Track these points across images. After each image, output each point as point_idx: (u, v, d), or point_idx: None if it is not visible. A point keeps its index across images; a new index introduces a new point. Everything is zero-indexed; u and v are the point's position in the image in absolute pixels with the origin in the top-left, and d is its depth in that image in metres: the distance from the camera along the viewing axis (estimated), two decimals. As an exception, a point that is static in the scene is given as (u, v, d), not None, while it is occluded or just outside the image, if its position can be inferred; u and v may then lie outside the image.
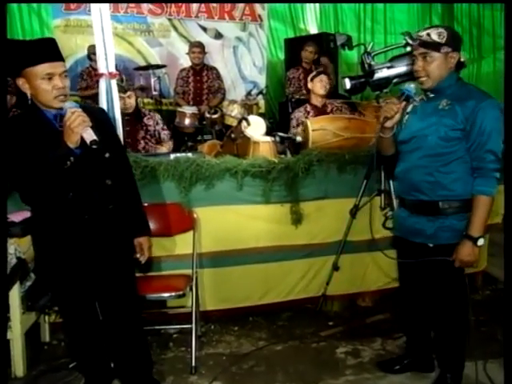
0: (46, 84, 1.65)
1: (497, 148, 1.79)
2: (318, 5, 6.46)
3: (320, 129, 2.91)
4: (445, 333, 2.04)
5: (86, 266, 1.83)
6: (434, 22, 6.90)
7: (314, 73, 3.62)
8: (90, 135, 1.63)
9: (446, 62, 1.82)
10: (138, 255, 2.01)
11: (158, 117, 3.45)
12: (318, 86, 3.48)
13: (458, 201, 1.87)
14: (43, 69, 1.64)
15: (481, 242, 1.81)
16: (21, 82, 1.68)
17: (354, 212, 2.71)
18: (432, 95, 1.91)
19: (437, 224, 1.90)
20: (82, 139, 1.64)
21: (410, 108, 1.99)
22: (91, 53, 4.66)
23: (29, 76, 1.66)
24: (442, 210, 1.88)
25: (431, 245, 1.92)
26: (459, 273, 1.92)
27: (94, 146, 1.63)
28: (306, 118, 3.41)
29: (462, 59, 1.86)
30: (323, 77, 3.50)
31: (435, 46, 1.80)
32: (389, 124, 1.94)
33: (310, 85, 3.55)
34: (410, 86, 1.94)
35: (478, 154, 1.80)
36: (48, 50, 1.68)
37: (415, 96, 1.96)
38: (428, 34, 1.81)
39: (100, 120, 1.80)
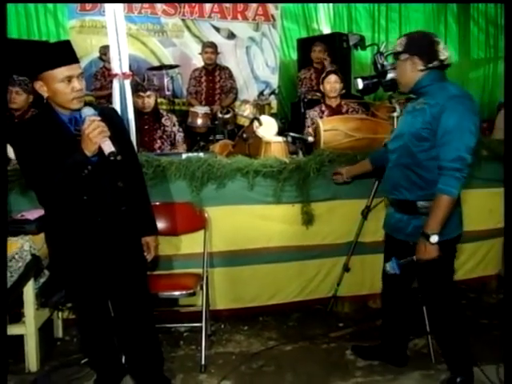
0: (64, 87, 1.67)
1: (460, 147, 1.77)
2: (331, 4, 6.42)
3: (332, 129, 2.90)
4: (437, 334, 2.12)
5: (98, 264, 1.85)
6: (450, 21, 6.81)
7: (323, 74, 3.62)
8: (108, 146, 1.64)
9: (407, 67, 1.89)
10: (144, 254, 2.03)
11: (174, 119, 3.49)
12: (328, 87, 3.48)
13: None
14: (62, 72, 1.66)
15: (434, 239, 1.80)
16: (38, 85, 1.70)
17: (365, 213, 2.70)
18: (414, 96, 2.00)
19: (415, 223, 1.94)
20: (99, 147, 1.66)
21: (404, 109, 2.09)
22: (102, 53, 4.72)
23: (47, 79, 1.67)
24: (419, 209, 1.92)
25: (411, 243, 1.94)
26: (440, 274, 1.96)
27: (112, 158, 1.64)
28: (321, 117, 3.40)
29: (441, 57, 1.85)
30: (331, 77, 3.47)
31: (396, 55, 1.94)
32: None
33: (321, 87, 3.56)
34: None
35: (441, 152, 1.80)
36: (65, 53, 1.70)
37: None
38: (396, 45, 1.94)
39: (112, 121, 1.82)
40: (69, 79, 1.67)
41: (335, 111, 3.47)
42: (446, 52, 1.86)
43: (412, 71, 1.89)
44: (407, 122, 1.96)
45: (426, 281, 2.02)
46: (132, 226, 1.93)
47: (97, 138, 1.63)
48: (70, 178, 1.68)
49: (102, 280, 1.89)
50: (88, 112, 1.69)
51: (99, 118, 1.67)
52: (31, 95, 3.11)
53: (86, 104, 1.77)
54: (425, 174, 1.89)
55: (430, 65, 1.85)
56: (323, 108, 3.52)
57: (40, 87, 1.70)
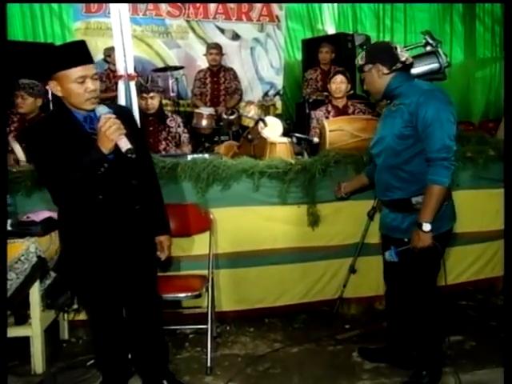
0: (78, 87, 1.67)
1: (442, 137, 1.84)
2: (336, 4, 6.40)
3: (337, 129, 2.89)
4: (413, 326, 2.14)
5: (112, 264, 1.85)
6: (455, 21, 6.77)
7: (331, 74, 3.63)
8: (125, 143, 1.64)
9: (374, 75, 1.99)
10: (158, 253, 2.03)
11: (179, 119, 3.49)
12: (333, 87, 3.48)
13: None
14: (76, 72, 1.66)
15: (426, 227, 1.87)
16: (52, 84, 1.70)
17: (371, 214, 2.68)
18: (388, 101, 2.07)
19: (410, 219, 1.99)
20: (115, 145, 1.65)
21: (382, 115, 2.15)
22: (107, 55, 4.73)
23: (61, 79, 1.67)
24: (414, 205, 1.97)
25: (406, 239, 2.00)
26: (425, 268, 2.00)
27: (130, 155, 1.64)
28: (327, 117, 3.39)
29: (402, 59, 1.94)
30: (337, 78, 3.46)
31: (360, 68, 2.05)
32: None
33: (328, 86, 3.57)
34: None
35: (426, 145, 1.88)
36: (80, 53, 1.70)
37: None
38: (358, 60, 2.06)
39: (127, 119, 1.82)
40: (83, 79, 1.67)
41: (341, 112, 3.45)
42: (404, 53, 1.96)
43: (379, 77, 1.98)
44: (387, 124, 2.02)
45: (410, 273, 2.04)
46: (146, 225, 1.92)
47: (113, 135, 1.62)
48: (87, 177, 1.68)
49: (116, 280, 1.88)
50: (103, 110, 1.69)
51: (114, 116, 1.67)
52: (39, 98, 3.11)
53: (100, 103, 1.76)
54: (414, 170, 1.95)
55: (394, 67, 1.95)
56: (329, 108, 3.51)
57: (54, 87, 1.70)
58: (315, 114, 3.52)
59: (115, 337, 2.00)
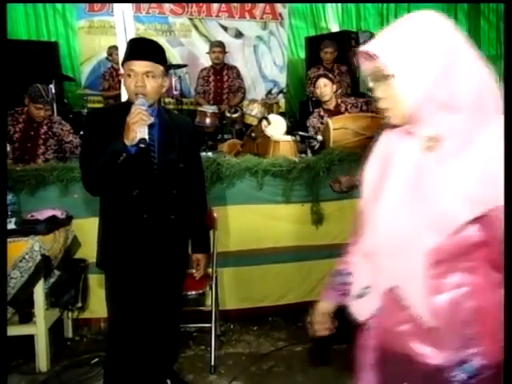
0: (129, 80, 1.73)
1: None
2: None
3: (341, 128, 2.87)
4: None
5: (139, 261, 1.81)
6: (460, 18, 6.73)
7: (313, 79, 3.45)
8: (141, 133, 1.62)
9: None
10: (193, 270, 2.01)
11: None
12: (318, 92, 3.33)
13: None
14: (129, 65, 1.72)
15: None
16: (122, 75, 1.82)
17: (375, 212, 2.67)
18: None
19: None
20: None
21: None
22: (109, 54, 4.73)
23: (124, 69, 1.76)
24: None
25: None
26: None
27: (142, 145, 1.63)
28: (321, 123, 3.28)
29: None
30: (320, 82, 3.29)
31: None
32: None
33: (314, 91, 3.41)
34: None
35: None
36: (140, 49, 1.75)
37: None
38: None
39: (183, 129, 1.85)
40: (132, 73, 1.71)
41: (334, 113, 3.29)
42: None
43: None
44: None
45: None
46: (180, 236, 1.88)
47: (135, 124, 1.63)
48: (109, 165, 1.67)
49: (143, 277, 1.84)
50: (138, 102, 1.69)
51: (145, 108, 1.67)
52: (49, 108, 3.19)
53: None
54: None
55: None
56: (322, 113, 3.35)
57: (122, 76, 1.80)
58: (310, 123, 3.35)
59: (133, 334, 1.91)
